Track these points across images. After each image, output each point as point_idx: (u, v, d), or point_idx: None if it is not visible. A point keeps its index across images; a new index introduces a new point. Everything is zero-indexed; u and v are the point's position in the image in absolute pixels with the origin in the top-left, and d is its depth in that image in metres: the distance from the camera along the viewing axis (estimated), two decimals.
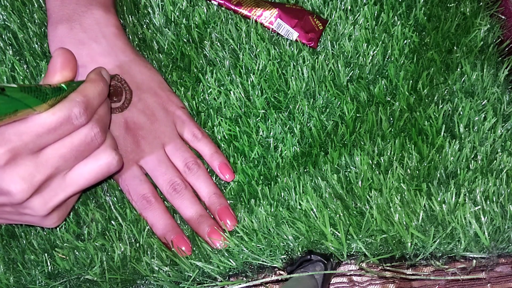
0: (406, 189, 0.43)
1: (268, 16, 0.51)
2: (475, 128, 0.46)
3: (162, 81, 0.48)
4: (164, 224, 0.44)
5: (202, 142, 0.46)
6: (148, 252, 0.43)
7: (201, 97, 0.49)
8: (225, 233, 0.43)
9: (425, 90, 0.48)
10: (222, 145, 0.47)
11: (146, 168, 0.45)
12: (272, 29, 0.51)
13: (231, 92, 0.49)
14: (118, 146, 0.44)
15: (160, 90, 0.47)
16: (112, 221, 0.45)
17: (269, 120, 0.48)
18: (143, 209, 0.44)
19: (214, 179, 0.47)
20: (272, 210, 0.44)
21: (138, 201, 0.44)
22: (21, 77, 0.49)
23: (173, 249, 0.43)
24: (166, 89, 0.48)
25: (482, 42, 0.50)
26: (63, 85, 0.36)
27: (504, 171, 0.43)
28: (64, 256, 0.43)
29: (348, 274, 0.45)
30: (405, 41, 0.50)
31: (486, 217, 0.41)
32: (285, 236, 0.42)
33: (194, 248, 0.44)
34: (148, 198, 0.44)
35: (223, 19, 0.52)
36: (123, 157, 0.44)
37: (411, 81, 0.48)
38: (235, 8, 0.51)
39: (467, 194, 0.42)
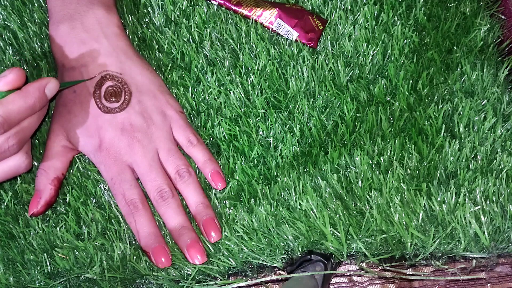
0: (406, 189, 0.43)
1: (268, 16, 0.51)
2: (475, 128, 0.46)
3: (162, 84, 0.48)
4: (148, 233, 0.43)
5: (196, 148, 0.46)
6: None
7: (201, 97, 0.49)
8: (205, 252, 0.42)
9: (425, 90, 0.48)
10: (222, 145, 0.47)
11: (137, 171, 0.45)
12: (272, 29, 0.51)
13: (231, 92, 0.49)
14: (113, 147, 0.44)
15: (159, 93, 0.47)
16: (112, 221, 0.45)
17: (269, 120, 0.48)
18: (129, 214, 0.44)
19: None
20: (272, 209, 0.44)
21: (125, 205, 0.44)
22: None
23: (153, 259, 0.42)
24: (165, 92, 0.47)
25: (482, 42, 0.50)
26: None
27: (504, 171, 0.43)
28: (64, 256, 0.43)
29: (348, 274, 0.45)
30: (405, 41, 0.50)
31: (486, 217, 0.41)
32: (285, 236, 0.42)
33: None
34: (136, 204, 0.44)
35: (223, 19, 0.52)
36: (116, 159, 0.44)
37: (411, 81, 0.48)
38: (235, 8, 0.51)
39: (467, 194, 0.42)
